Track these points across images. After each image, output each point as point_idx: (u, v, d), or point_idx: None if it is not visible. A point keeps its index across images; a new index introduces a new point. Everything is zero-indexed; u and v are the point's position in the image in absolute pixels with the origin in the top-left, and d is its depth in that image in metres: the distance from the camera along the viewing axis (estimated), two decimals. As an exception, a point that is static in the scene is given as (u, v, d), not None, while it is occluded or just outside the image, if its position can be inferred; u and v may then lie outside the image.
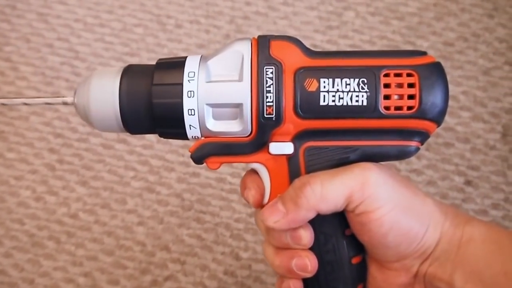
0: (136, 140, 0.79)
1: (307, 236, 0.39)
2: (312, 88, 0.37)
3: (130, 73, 0.39)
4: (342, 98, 0.37)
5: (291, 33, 0.83)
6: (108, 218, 0.77)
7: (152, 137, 0.79)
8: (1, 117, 0.82)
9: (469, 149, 0.78)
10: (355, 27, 0.82)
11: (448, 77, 0.83)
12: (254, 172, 0.41)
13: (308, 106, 0.37)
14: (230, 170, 0.78)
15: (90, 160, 0.79)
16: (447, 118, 0.79)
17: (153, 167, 0.79)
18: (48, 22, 0.86)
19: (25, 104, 0.43)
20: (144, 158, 0.79)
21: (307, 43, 0.81)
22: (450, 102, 0.79)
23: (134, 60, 0.81)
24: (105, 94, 0.38)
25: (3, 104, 0.43)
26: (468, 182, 0.77)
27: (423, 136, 0.39)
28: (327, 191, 0.37)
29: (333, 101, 0.37)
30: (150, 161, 0.79)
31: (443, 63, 0.82)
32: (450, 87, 0.81)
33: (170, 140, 0.79)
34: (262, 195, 0.41)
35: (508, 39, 0.81)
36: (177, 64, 0.39)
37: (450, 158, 0.77)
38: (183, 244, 0.76)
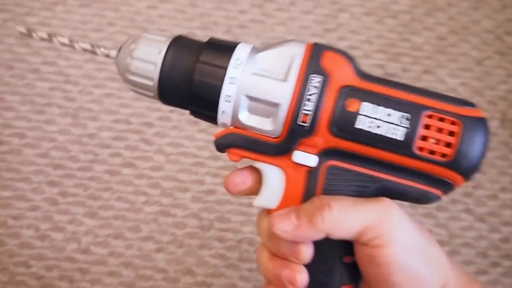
0: (144, 163, 0.69)
1: (307, 253, 0.35)
2: (352, 108, 0.33)
3: (178, 44, 0.36)
4: (379, 127, 0.33)
5: (289, 38, 0.72)
6: (123, 248, 0.66)
7: (162, 158, 0.68)
8: (-10, 153, 0.66)
9: (473, 138, 0.70)
10: (351, 28, 0.75)
11: (445, 71, 0.76)
12: (249, 169, 0.37)
13: (343, 125, 0.34)
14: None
15: (96, 189, 0.68)
16: (451, 110, 0.72)
17: (165, 189, 0.68)
18: (30, 46, 0.71)
19: (63, 44, 0.38)
20: (154, 180, 0.68)
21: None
22: (451, 94, 0.72)
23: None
24: (149, 60, 0.35)
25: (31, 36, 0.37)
26: (477, 170, 0.70)
27: (448, 187, 0.34)
28: (344, 220, 0.34)
29: (370, 127, 0.33)
30: (161, 183, 0.68)
31: (438, 57, 0.75)
32: (450, 79, 0.74)
33: (181, 159, 0.68)
34: (244, 190, 0.38)
35: (495, 30, 0.78)
36: (228, 48, 0.35)
37: (457, 148, 0.69)
38: (207, 266, 0.66)
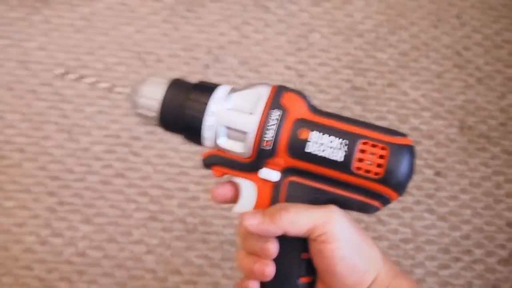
0: (134, 173, 0.73)
1: (273, 249, 0.41)
2: (303, 136, 0.40)
3: (175, 85, 0.43)
4: (324, 151, 0.40)
5: (265, 57, 0.78)
6: (116, 251, 0.71)
7: (149, 168, 0.73)
8: (-6, 168, 0.71)
9: (434, 144, 0.76)
10: (321, 47, 0.79)
11: (408, 83, 0.82)
12: (230, 183, 0.44)
13: (296, 149, 0.40)
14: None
15: (91, 198, 0.72)
16: (412, 119, 0.77)
17: (153, 196, 0.72)
18: (28, 68, 0.76)
19: (88, 84, 0.46)
20: (143, 189, 0.72)
21: (280, 66, 0.77)
22: (413, 105, 0.78)
23: (119, 97, 0.72)
24: (152, 97, 0.42)
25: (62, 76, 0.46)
26: (437, 173, 0.75)
27: (384, 199, 0.41)
28: (298, 219, 0.40)
29: (317, 150, 0.40)
30: (149, 192, 0.72)
31: (401, 72, 0.81)
32: (412, 91, 0.79)
33: (167, 169, 0.73)
34: (225, 199, 0.44)
35: (453, 45, 0.82)
36: (210, 89, 0.42)
37: (419, 154, 0.76)
38: (193, 266, 0.71)
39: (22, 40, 0.78)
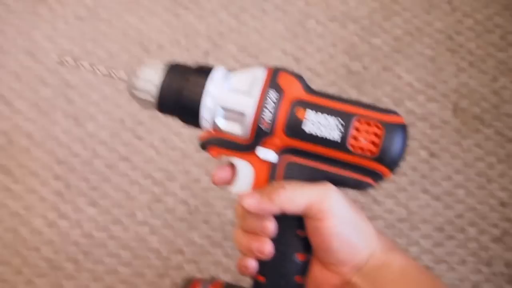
0: (138, 157, 0.75)
1: (271, 227, 0.42)
2: (300, 116, 0.40)
3: (173, 68, 0.43)
4: (321, 130, 0.40)
5: (263, 44, 0.80)
6: (121, 232, 0.73)
7: (153, 152, 0.75)
8: (2, 152, 0.75)
9: (428, 126, 0.78)
10: (317, 33, 0.81)
11: (402, 68, 0.84)
12: (230, 164, 0.44)
13: (294, 128, 0.41)
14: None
15: (96, 181, 0.74)
16: (407, 102, 0.79)
17: (156, 179, 0.74)
18: (35, 56, 0.78)
19: (89, 70, 0.45)
20: (146, 172, 0.74)
21: (278, 52, 0.79)
22: (408, 89, 0.80)
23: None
24: (150, 80, 0.42)
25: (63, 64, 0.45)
26: (431, 154, 0.77)
27: (378, 177, 0.41)
28: (295, 196, 0.41)
29: (314, 130, 0.41)
30: (153, 174, 0.74)
31: (395, 56, 0.83)
32: (406, 75, 0.81)
33: (170, 152, 0.75)
34: (225, 180, 0.44)
35: (445, 30, 0.84)
36: (207, 71, 0.42)
37: (414, 136, 0.78)
38: (195, 245, 0.73)
39: (28, 29, 0.79)
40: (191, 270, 0.71)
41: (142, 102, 0.43)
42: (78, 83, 0.77)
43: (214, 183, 0.45)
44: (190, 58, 0.79)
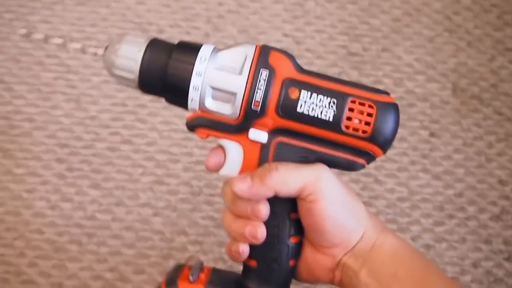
0: (140, 139, 0.75)
1: (264, 211, 0.40)
2: (294, 96, 0.39)
3: (154, 44, 0.40)
4: (314, 110, 0.39)
5: (263, 25, 0.80)
6: (124, 214, 0.73)
7: (155, 134, 0.75)
8: (4, 136, 0.74)
9: (428, 106, 0.79)
10: (317, 14, 0.82)
11: (401, 48, 0.84)
12: (220, 147, 0.43)
13: (287, 109, 0.40)
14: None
15: (99, 164, 0.74)
16: (407, 82, 0.80)
17: (159, 161, 0.74)
18: (34, 41, 0.77)
19: (57, 44, 0.42)
20: (149, 154, 0.75)
21: (278, 33, 0.79)
22: (407, 69, 0.80)
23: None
24: (131, 57, 0.40)
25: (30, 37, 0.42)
26: (432, 134, 0.78)
27: (369, 157, 0.41)
28: (288, 178, 0.40)
29: (307, 110, 0.40)
30: (155, 156, 0.75)
31: (394, 37, 0.83)
32: (406, 56, 0.82)
33: (172, 135, 0.75)
34: (218, 164, 0.43)
35: (443, 10, 0.84)
36: (194, 48, 0.40)
37: (414, 116, 0.78)
38: (198, 226, 0.73)
39: (26, 14, 0.79)
40: (195, 251, 0.71)
41: (122, 81, 0.41)
42: (79, 67, 0.77)
43: (208, 168, 0.43)
44: (190, 40, 0.79)
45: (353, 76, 0.79)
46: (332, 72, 0.79)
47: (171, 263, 0.71)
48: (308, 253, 0.43)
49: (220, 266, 0.71)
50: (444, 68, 0.80)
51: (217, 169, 0.43)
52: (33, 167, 0.73)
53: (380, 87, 0.79)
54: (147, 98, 0.76)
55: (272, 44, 0.41)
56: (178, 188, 0.73)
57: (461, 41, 0.82)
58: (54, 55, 0.78)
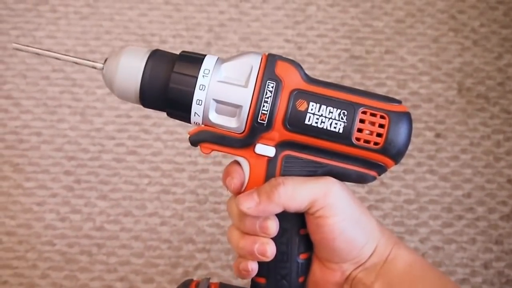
0: (145, 150, 0.75)
1: (273, 227, 0.39)
2: (302, 108, 0.38)
3: (156, 56, 0.39)
4: (324, 122, 0.38)
5: (265, 32, 0.79)
6: (132, 224, 0.73)
7: (160, 144, 0.75)
8: (14, 151, 0.75)
9: (433, 107, 0.77)
10: (318, 19, 0.80)
11: (405, 49, 0.82)
12: (237, 163, 0.41)
13: (295, 121, 0.38)
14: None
15: (106, 175, 0.74)
16: (411, 84, 0.78)
17: (164, 171, 0.74)
18: (40, 56, 0.78)
19: (57, 58, 0.40)
20: (155, 164, 0.74)
21: (279, 40, 0.78)
22: (411, 70, 0.79)
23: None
24: (131, 70, 0.38)
25: (36, 53, 0.40)
26: (437, 135, 0.76)
27: (381, 169, 0.39)
28: (296, 193, 0.38)
29: (316, 122, 0.38)
30: (161, 166, 0.74)
31: (398, 38, 0.82)
32: (410, 57, 0.80)
33: (177, 144, 0.75)
34: (242, 184, 0.40)
35: (447, 9, 0.82)
36: (197, 60, 0.38)
37: (419, 117, 0.76)
38: (205, 234, 0.72)
39: (32, 30, 0.79)
40: (203, 259, 0.71)
41: (121, 95, 0.39)
42: (84, 80, 0.77)
43: (232, 192, 0.40)
44: (192, 49, 0.78)
45: (356, 79, 0.78)
46: (334, 75, 0.78)
47: (179, 271, 0.71)
48: (316, 269, 0.41)
49: (228, 273, 0.71)
50: (449, 68, 0.78)
51: (240, 190, 0.40)
52: (42, 180, 0.73)
53: (384, 89, 0.78)
54: (151, 109, 0.76)
55: (274, 51, 0.39)
56: (184, 197, 0.73)
57: (466, 40, 0.79)
58: (60, 70, 0.78)
